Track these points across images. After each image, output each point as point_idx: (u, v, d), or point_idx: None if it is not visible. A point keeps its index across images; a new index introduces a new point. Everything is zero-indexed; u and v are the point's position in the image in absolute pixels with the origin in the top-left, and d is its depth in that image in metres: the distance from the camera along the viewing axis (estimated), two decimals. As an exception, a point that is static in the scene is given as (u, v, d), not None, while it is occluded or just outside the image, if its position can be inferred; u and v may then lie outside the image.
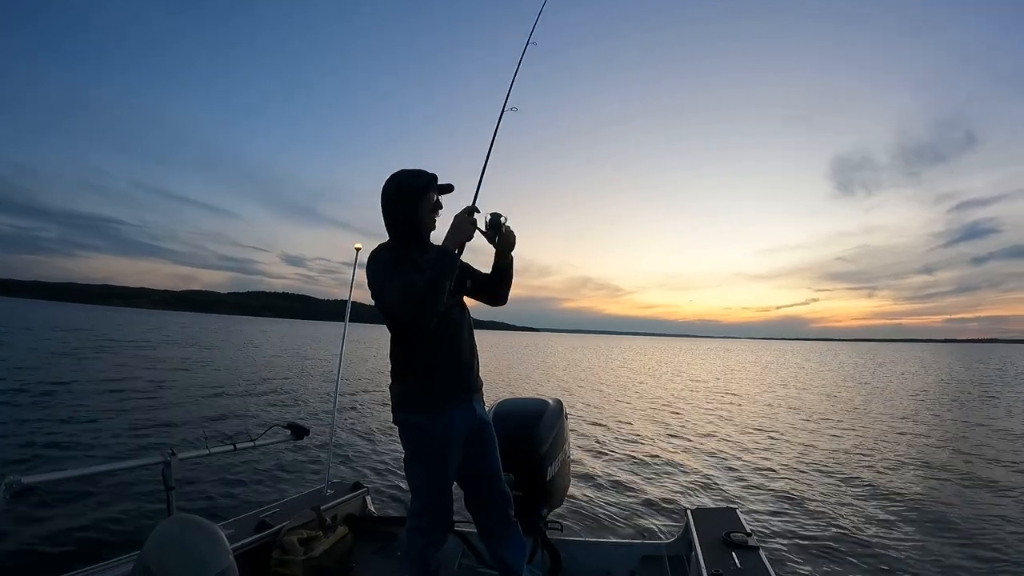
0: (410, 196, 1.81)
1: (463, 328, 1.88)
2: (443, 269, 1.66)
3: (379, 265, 1.77)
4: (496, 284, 1.97)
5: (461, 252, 1.74)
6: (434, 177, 1.84)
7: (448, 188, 1.86)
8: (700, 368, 28.89)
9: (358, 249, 3.12)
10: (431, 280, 1.65)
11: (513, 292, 2.03)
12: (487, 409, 2.02)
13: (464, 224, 1.71)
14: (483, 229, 1.79)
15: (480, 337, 1.97)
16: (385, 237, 1.88)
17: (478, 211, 1.76)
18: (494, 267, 1.95)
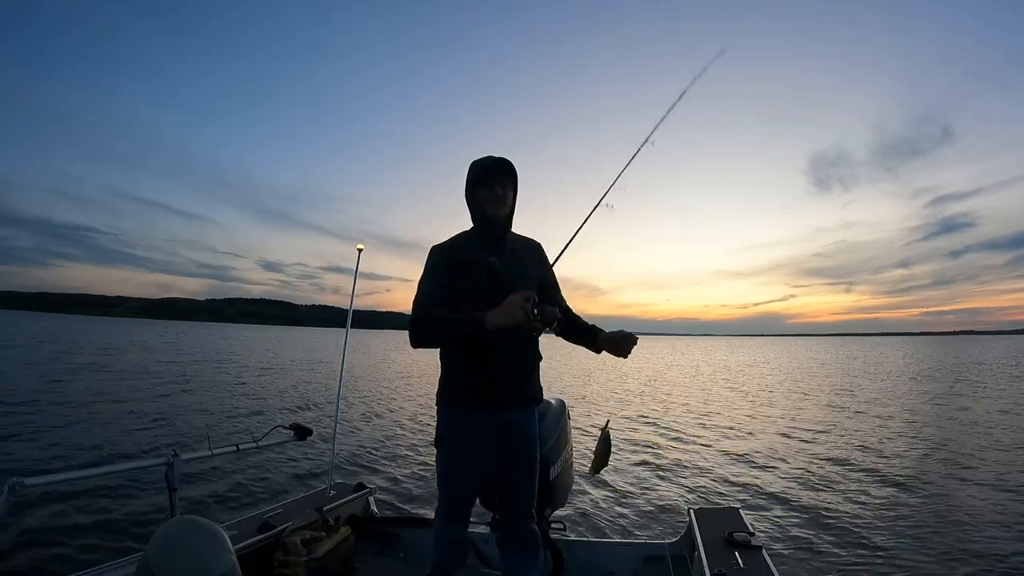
0: (469, 183, 1.78)
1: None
2: (456, 331, 1.61)
3: (428, 263, 1.77)
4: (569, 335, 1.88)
5: (495, 330, 1.55)
6: (488, 166, 1.75)
7: (500, 173, 1.75)
8: (690, 366, 28.85)
9: (360, 250, 3.13)
10: (439, 331, 1.64)
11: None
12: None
13: (515, 309, 1.50)
14: (533, 318, 1.55)
15: None
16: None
17: (536, 301, 1.55)
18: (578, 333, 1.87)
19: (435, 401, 1.87)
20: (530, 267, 1.80)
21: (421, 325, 1.65)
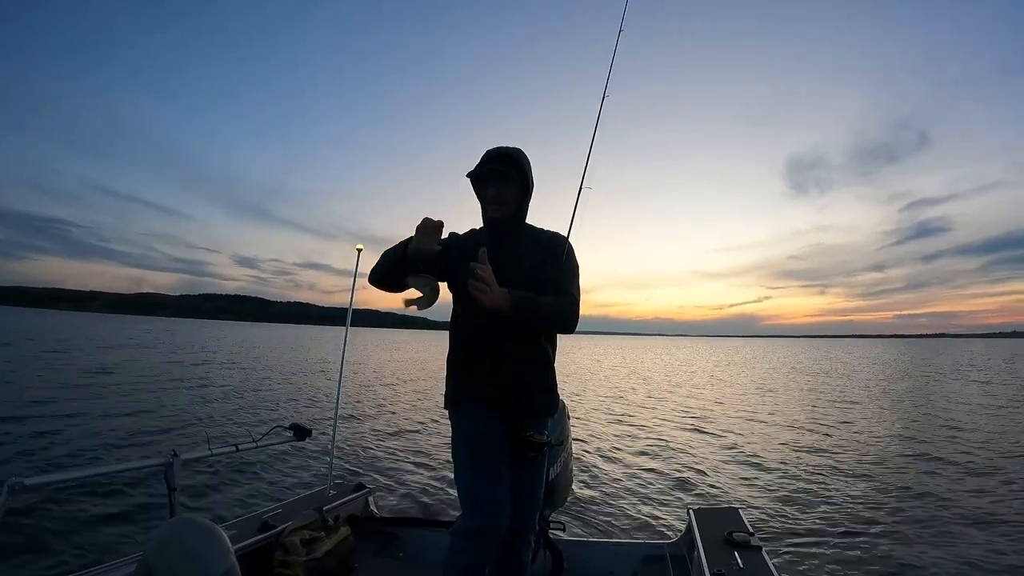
0: (471, 175, 1.71)
1: (494, 330, 1.61)
2: (392, 253, 1.63)
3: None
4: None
5: (409, 254, 1.57)
6: (484, 160, 1.67)
7: (496, 168, 1.65)
8: (678, 366, 28.86)
9: (359, 250, 3.12)
10: (384, 257, 1.65)
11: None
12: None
13: (419, 235, 1.54)
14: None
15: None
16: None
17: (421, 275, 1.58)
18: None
19: (443, 405, 1.77)
20: (531, 266, 1.64)
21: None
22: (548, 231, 1.79)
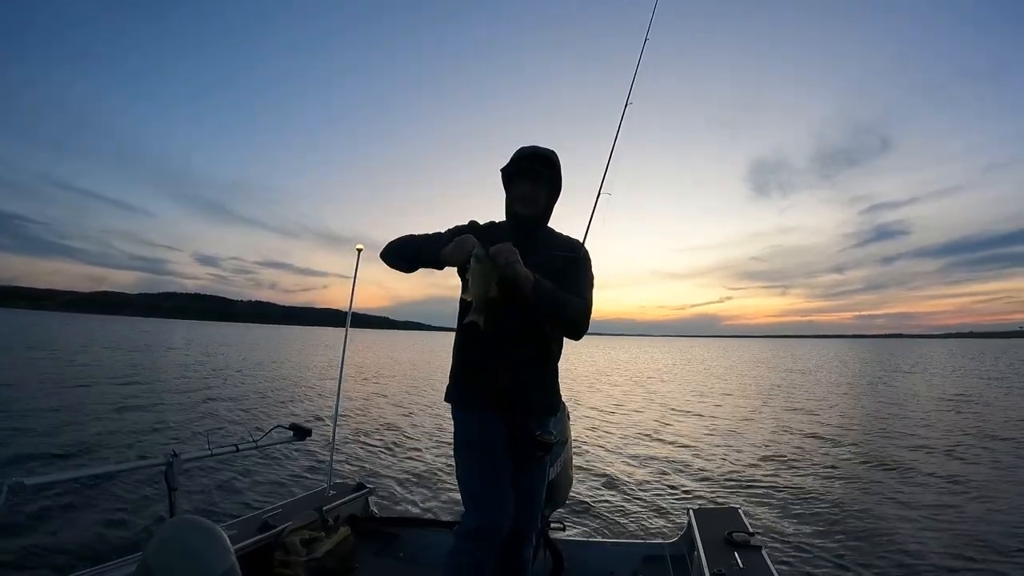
0: (504, 172, 1.71)
1: (499, 332, 1.60)
2: (421, 244, 1.61)
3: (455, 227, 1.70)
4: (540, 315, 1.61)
5: (444, 258, 1.55)
6: (521, 157, 1.66)
7: (534, 168, 1.65)
8: (666, 367, 28.86)
9: (360, 250, 3.13)
10: (409, 240, 1.62)
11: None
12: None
13: (458, 249, 1.50)
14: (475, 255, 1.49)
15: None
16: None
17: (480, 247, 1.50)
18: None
19: (445, 399, 1.76)
20: (551, 267, 1.62)
21: (396, 238, 1.66)
22: (565, 235, 1.80)
